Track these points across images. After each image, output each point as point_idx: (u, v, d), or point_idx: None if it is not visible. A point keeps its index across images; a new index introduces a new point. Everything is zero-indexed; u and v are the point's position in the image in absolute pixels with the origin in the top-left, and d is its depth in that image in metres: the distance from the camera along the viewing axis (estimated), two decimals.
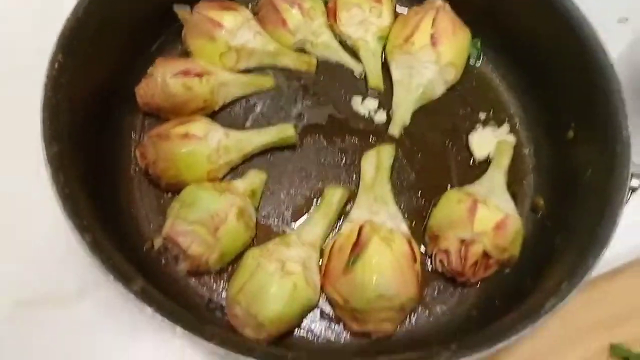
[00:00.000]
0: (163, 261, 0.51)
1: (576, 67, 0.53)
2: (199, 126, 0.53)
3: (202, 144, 0.52)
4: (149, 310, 0.36)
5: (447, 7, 0.62)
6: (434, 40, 0.58)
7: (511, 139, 0.59)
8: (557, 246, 0.48)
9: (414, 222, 0.54)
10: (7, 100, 0.58)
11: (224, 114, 0.59)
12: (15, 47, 0.62)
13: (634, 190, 0.46)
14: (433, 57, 0.59)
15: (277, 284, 0.45)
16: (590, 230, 0.43)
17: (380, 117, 0.60)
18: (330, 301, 0.49)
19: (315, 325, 0.49)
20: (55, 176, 0.39)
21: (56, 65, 0.46)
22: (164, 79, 0.55)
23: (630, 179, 0.46)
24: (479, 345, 0.37)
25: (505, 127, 0.60)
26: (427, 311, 0.51)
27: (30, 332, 0.49)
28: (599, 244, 0.41)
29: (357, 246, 0.47)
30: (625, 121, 0.46)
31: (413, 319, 0.50)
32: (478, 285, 0.52)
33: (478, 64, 0.64)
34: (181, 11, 0.60)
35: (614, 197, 0.43)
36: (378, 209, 0.52)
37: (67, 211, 0.38)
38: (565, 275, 0.41)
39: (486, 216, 0.49)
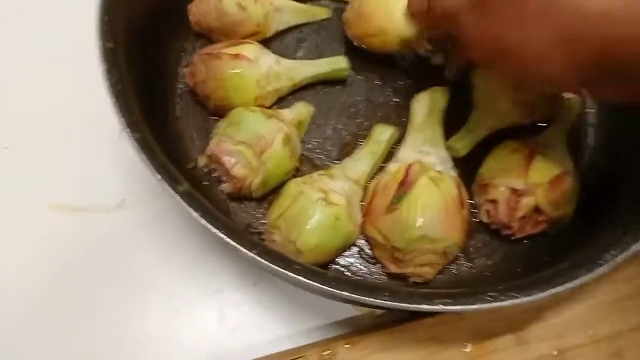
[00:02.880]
0: (205, 183, 0.50)
1: None
2: (251, 49, 0.52)
3: (253, 67, 0.51)
4: (193, 214, 0.35)
5: None
6: None
7: (577, 97, 0.55)
8: (617, 205, 0.45)
9: (463, 172, 0.51)
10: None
11: (275, 42, 0.57)
12: None
13: None
14: None
15: (319, 212, 0.44)
16: None
17: (438, 59, 0.57)
18: (369, 241, 0.48)
19: (352, 263, 0.48)
20: (108, 72, 0.39)
21: None
22: None
23: None
24: (528, 288, 0.35)
25: None
26: (469, 263, 0.49)
27: (64, 236, 0.49)
28: None
29: (404, 184, 0.45)
30: None
31: (454, 269, 0.48)
32: (525, 243, 0.49)
33: None
34: None
35: None
36: (428, 151, 0.49)
37: (119, 106, 0.37)
38: (628, 228, 0.38)
39: (543, 168, 0.46)
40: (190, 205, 0.35)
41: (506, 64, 0.37)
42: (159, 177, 0.35)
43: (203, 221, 0.34)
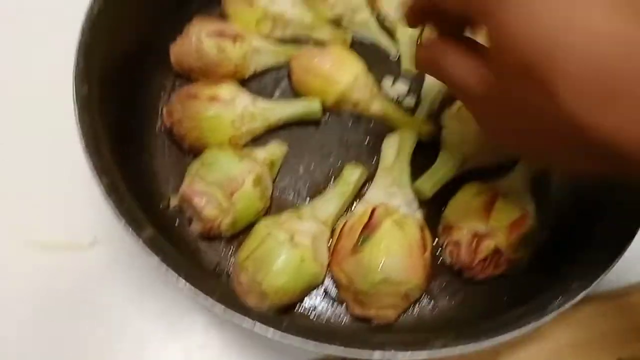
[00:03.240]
0: (177, 222, 0.51)
1: None
2: (228, 89, 0.54)
3: (228, 107, 0.53)
4: (155, 259, 0.36)
5: None
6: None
7: None
8: (573, 250, 0.47)
9: (429, 213, 0.53)
10: (43, 50, 0.60)
11: (253, 82, 0.59)
12: None
13: None
14: None
15: (285, 254, 0.45)
16: (609, 238, 0.42)
17: (409, 101, 0.59)
18: (335, 281, 0.49)
19: (317, 304, 0.49)
20: (81, 115, 0.40)
21: (96, 10, 0.47)
22: (199, 37, 0.55)
23: None
24: (477, 336, 0.36)
25: None
26: (431, 303, 0.50)
27: (38, 273, 0.50)
28: (615, 250, 0.40)
29: (368, 227, 0.47)
30: None
31: (416, 310, 0.50)
32: (486, 284, 0.51)
33: None
34: None
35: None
36: (395, 192, 0.51)
37: (89, 151, 0.39)
38: (577, 276, 0.39)
39: (504, 211, 0.48)
40: (152, 250, 0.36)
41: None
42: (124, 222, 0.37)
43: (164, 266, 0.35)
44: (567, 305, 0.38)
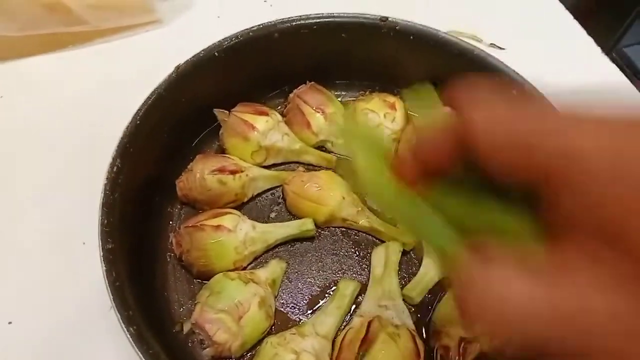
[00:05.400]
0: (190, 344, 0.56)
1: None
2: (230, 219, 0.60)
3: (231, 236, 0.59)
4: None
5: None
6: None
7: None
8: None
9: (419, 315, 0.59)
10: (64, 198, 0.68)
11: (251, 204, 0.67)
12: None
13: None
14: None
15: None
16: None
17: None
18: None
19: None
20: (108, 272, 0.46)
21: (115, 169, 0.54)
22: (202, 174, 0.62)
23: None
24: None
25: None
26: None
27: None
28: None
29: (366, 341, 0.52)
30: None
31: None
32: None
33: None
34: (220, 113, 0.68)
35: None
36: (386, 303, 0.57)
37: (117, 304, 0.44)
38: None
39: None
40: None
41: None
42: None
43: None
44: None
